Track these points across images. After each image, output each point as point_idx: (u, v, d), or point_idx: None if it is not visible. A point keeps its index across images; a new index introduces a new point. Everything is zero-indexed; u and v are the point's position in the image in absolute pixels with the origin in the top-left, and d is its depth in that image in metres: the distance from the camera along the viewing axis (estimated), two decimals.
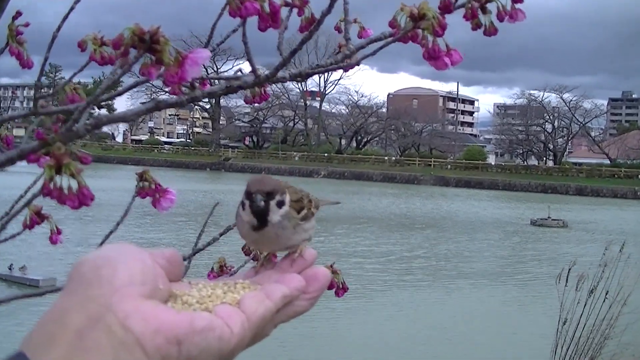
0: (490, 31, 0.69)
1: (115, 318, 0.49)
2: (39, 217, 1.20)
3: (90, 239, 15.87)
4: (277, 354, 8.71)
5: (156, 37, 0.55)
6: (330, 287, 1.11)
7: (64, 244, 1.31)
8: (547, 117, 72.44)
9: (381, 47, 0.63)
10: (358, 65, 0.71)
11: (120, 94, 0.72)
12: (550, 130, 72.24)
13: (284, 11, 0.70)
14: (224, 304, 0.56)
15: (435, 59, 0.60)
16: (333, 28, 0.88)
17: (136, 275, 0.52)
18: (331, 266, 1.13)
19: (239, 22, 0.67)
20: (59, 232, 1.28)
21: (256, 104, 1.11)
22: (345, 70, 0.83)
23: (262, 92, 1.01)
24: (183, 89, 0.65)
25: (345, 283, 1.14)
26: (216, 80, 0.92)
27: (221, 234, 1.15)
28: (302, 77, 0.65)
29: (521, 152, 75.76)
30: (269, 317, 0.57)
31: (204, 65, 0.60)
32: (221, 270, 1.24)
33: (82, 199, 0.60)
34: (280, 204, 0.67)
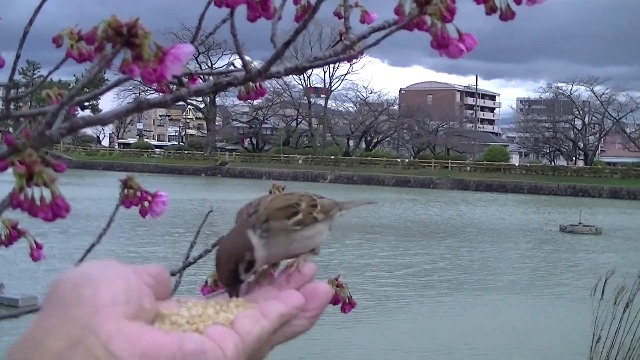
0: (507, 15, 0.67)
1: (97, 340, 0.49)
2: (16, 232, 1.20)
3: (76, 254, 15.80)
4: None
5: (134, 30, 0.55)
6: (335, 302, 1.10)
7: (47, 259, 1.31)
8: (577, 112, 72.19)
9: (384, 36, 0.63)
10: (361, 55, 0.70)
11: (100, 93, 0.72)
12: (580, 127, 71.98)
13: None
14: (216, 324, 0.56)
15: (444, 47, 0.60)
16: (333, 14, 0.87)
17: (119, 294, 0.52)
18: (336, 279, 1.13)
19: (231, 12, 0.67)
20: (39, 247, 1.27)
21: (255, 102, 1.10)
22: (349, 62, 0.83)
23: (258, 86, 1.00)
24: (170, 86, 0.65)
25: (352, 298, 1.14)
26: (207, 77, 0.92)
27: (214, 245, 1.15)
28: (299, 71, 0.65)
29: (548, 151, 75.49)
30: (265, 337, 0.57)
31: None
32: (216, 285, 1.24)
33: (56, 210, 0.60)
34: (249, 267, 0.66)
